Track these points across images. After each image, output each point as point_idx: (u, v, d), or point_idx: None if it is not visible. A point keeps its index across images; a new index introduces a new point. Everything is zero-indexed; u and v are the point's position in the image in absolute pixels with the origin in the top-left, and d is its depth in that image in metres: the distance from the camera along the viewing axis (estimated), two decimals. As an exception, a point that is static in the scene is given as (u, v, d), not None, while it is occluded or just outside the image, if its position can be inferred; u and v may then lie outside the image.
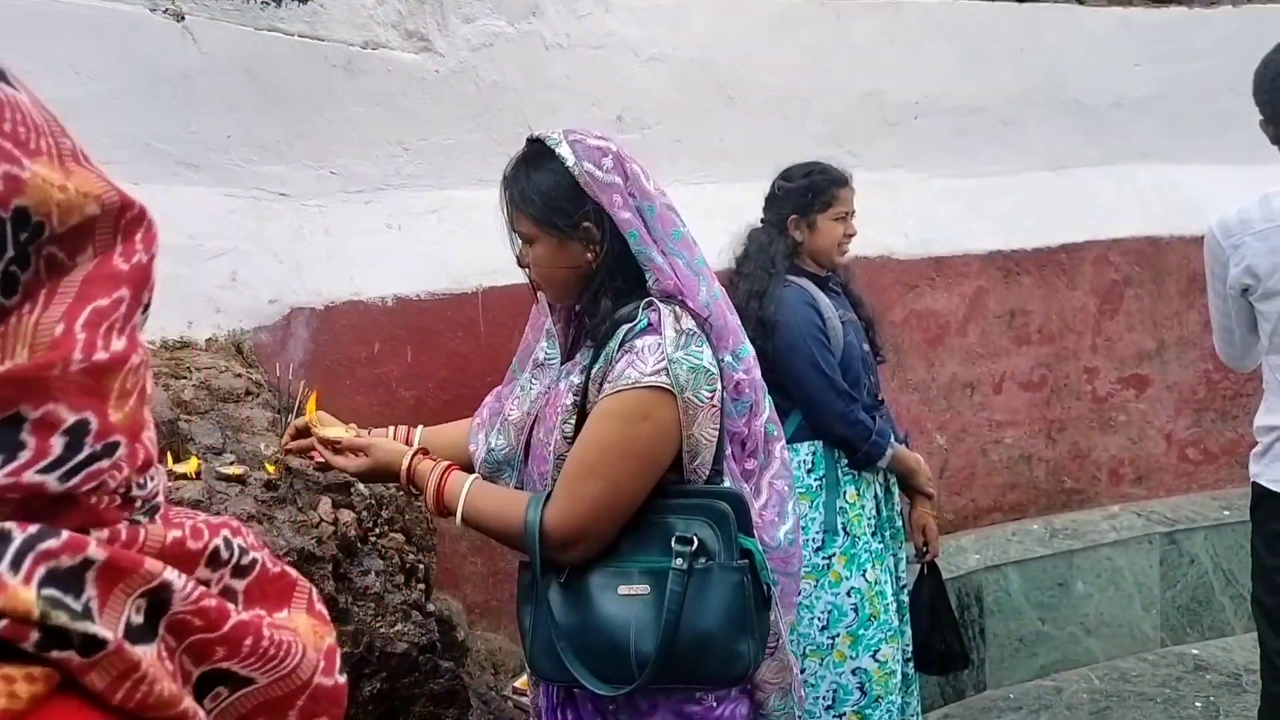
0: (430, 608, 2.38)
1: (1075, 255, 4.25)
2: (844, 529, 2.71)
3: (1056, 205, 4.29)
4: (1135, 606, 4.17)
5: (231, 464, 2.12)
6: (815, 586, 2.66)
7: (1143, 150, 4.47)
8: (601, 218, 1.65)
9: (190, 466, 1.96)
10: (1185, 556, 4.23)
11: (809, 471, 2.73)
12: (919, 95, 4.04)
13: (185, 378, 2.35)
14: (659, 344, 1.58)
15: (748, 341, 1.76)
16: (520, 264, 1.79)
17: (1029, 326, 4.16)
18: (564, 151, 1.65)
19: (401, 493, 2.35)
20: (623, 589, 1.60)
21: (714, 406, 1.61)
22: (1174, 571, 4.22)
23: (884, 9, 4.02)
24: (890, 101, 4.00)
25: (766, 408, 1.78)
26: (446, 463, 1.78)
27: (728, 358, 1.69)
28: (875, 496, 2.80)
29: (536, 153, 1.70)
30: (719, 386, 1.62)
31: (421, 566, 2.45)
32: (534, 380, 1.83)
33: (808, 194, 2.83)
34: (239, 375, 2.46)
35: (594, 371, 1.64)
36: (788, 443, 2.59)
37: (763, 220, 2.93)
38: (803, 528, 2.62)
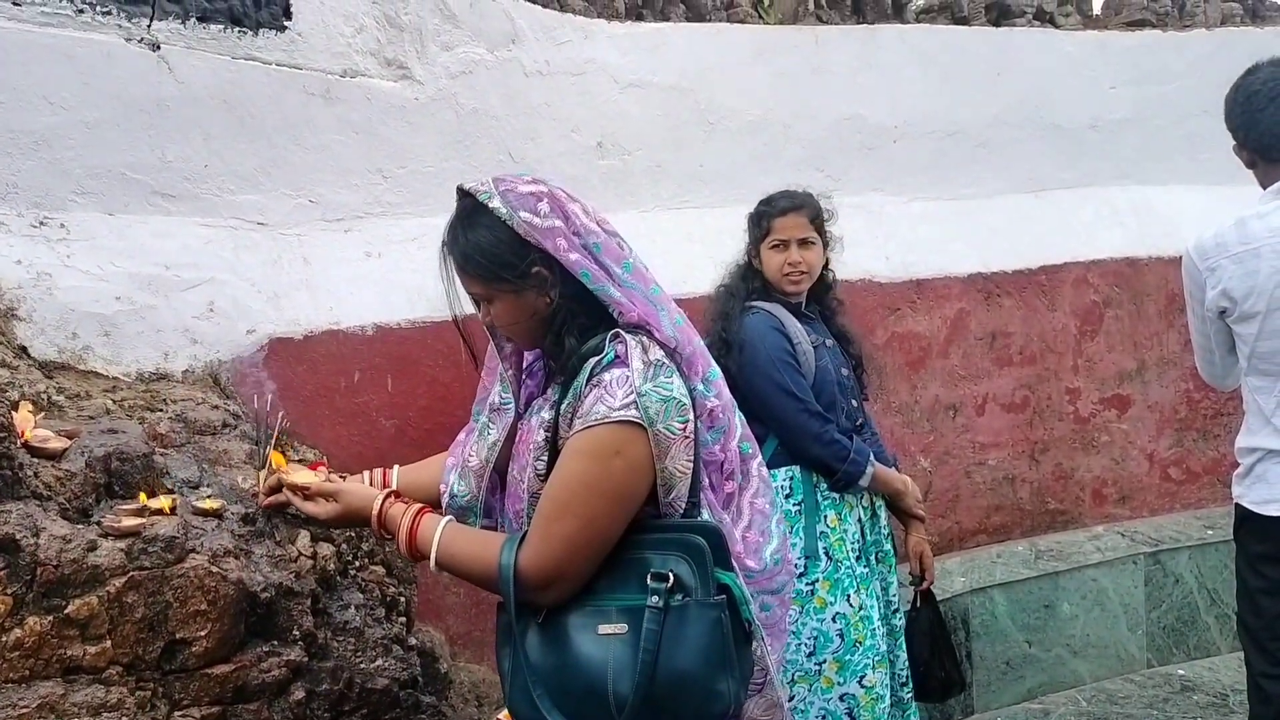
0: (412, 641, 2.35)
1: (1055, 276, 4.27)
2: (826, 554, 2.69)
3: (1035, 227, 4.32)
4: (1121, 627, 4.17)
5: (208, 498, 2.09)
6: (800, 613, 2.63)
7: (1120, 171, 4.51)
8: (550, 260, 1.63)
9: (165, 503, 1.93)
10: (1170, 576, 4.23)
11: (787, 496, 2.70)
12: (897, 119, 4.06)
13: (161, 410, 2.32)
14: (627, 377, 1.56)
15: (714, 364, 1.75)
16: (487, 328, 1.77)
17: (1010, 348, 4.18)
18: (497, 204, 1.63)
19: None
20: (603, 628, 1.56)
21: (687, 438, 1.59)
22: (1159, 592, 4.22)
23: (861, 35, 4.05)
24: (868, 126, 4.01)
25: (739, 426, 1.76)
26: (418, 506, 1.75)
27: (699, 385, 1.67)
28: (859, 520, 2.78)
29: (469, 209, 1.67)
30: (691, 417, 1.60)
31: (402, 599, 2.42)
32: (491, 425, 1.81)
33: (753, 222, 2.87)
34: (216, 407, 2.43)
35: (563, 407, 1.62)
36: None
37: None
38: None
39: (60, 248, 2.44)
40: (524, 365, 1.85)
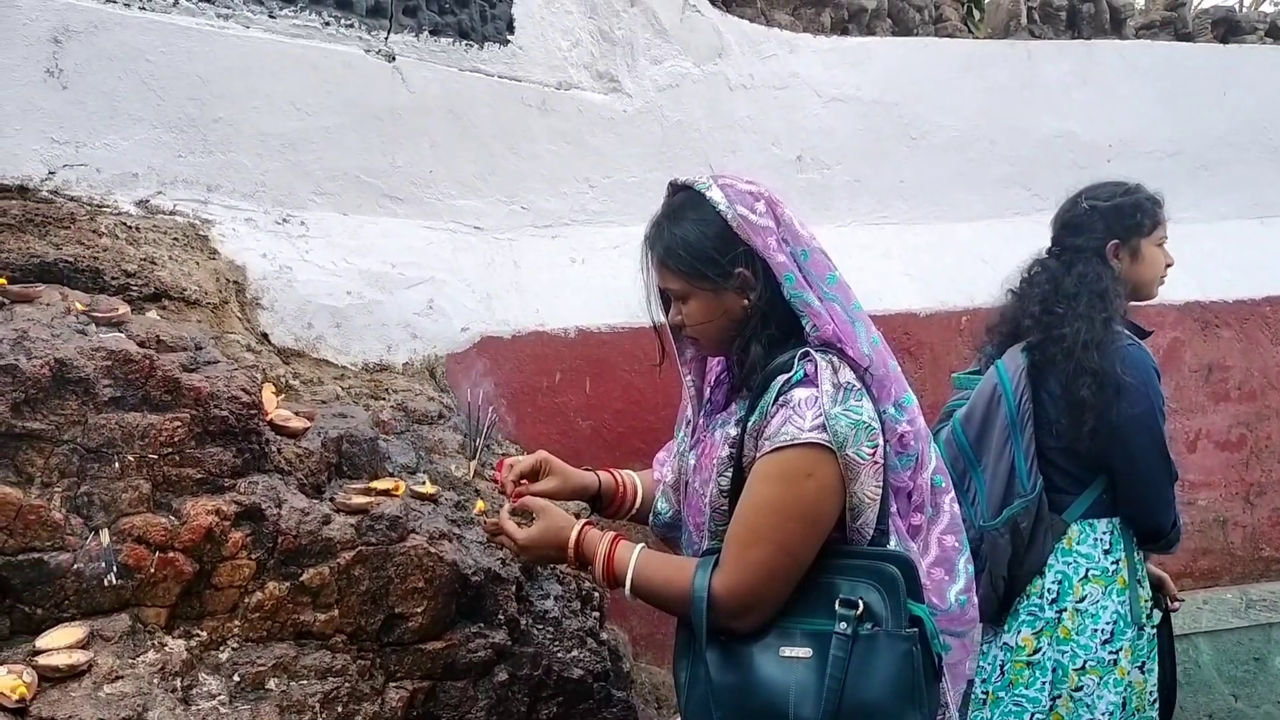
0: (604, 636, 2.40)
1: (1280, 309, 4.00)
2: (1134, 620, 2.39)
3: (1259, 254, 4.05)
4: (1342, 690, 3.85)
5: (424, 484, 2.21)
6: (1098, 684, 2.34)
7: (1359, 199, 4.19)
8: (754, 262, 1.61)
9: (394, 485, 2.05)
10: (1401, 639, 3.88)
11: (1106, 553, 2.37)
12: (1112, 138, 3.90)
13: (384, 399, 2.46)
14: (816, 398, 1.53)
15: (909, 390, 1.68)
16: (672, 329, 1.72)
17: (1228, 382, 3.93)
18: (715, 196, 1.61)
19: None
20: (785, 651, 1.54)
21: (876, 463, 1.55)
22: (1387, 654, 3.88)
23: (1076, 50, 3.91)
24: (1080, 143, 3.87)
25: (933, 458, 1.70)
26: (614, 533, 1.74)
27: (890, 409, 1.62)
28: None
29: (680, 203, 1.66)
30: (881, 442, 1.56)
31: (596, 594, 2.48)
32: (686, 440, 1.80)
33: (1134, 213, 2.38)
34: (432, 399, 2.56)
35: (750, 424, 1.59)
36: (1082, 518, 2.37)
37: (1053, 251, 2.48)
38: (1092, 615, 2.34)
39: (300, 243, 2.63)
40: (705, 375, 1.82)
